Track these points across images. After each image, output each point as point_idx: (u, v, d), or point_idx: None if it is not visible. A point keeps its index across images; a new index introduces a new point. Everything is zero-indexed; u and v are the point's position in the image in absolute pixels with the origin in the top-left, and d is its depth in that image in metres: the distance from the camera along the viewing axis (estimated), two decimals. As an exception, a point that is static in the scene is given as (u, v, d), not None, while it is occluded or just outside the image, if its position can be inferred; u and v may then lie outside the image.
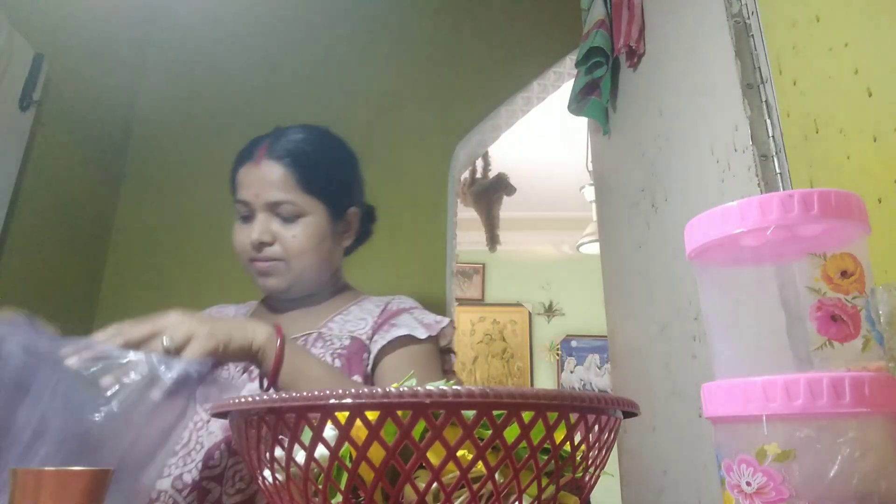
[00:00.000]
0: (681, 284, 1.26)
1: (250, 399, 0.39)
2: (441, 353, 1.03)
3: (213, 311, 1.16)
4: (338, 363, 0.96)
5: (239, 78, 2.42)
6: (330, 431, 0.38)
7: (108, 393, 0.63)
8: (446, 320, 1.04)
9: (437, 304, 2.26)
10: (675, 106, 1.34)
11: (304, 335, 1.01)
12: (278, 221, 0.98)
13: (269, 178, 0.98)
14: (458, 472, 0.37)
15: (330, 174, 1.03)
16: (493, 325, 5.22)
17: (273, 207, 0.98)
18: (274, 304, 1.10)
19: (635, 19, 1.50)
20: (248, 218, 1.00)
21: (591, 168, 2.09)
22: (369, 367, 0.97)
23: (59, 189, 1.90)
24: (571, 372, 5.02)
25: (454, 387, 0.36)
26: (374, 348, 0.98)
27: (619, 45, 1.56)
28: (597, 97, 1.76)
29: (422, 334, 0.98)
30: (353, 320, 1.04)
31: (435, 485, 0.37)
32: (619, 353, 1.74)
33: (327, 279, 1.07)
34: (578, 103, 1.82)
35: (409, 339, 0.97)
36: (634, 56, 1.53)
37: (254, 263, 1.00)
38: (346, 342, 0.99)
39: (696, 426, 1.19)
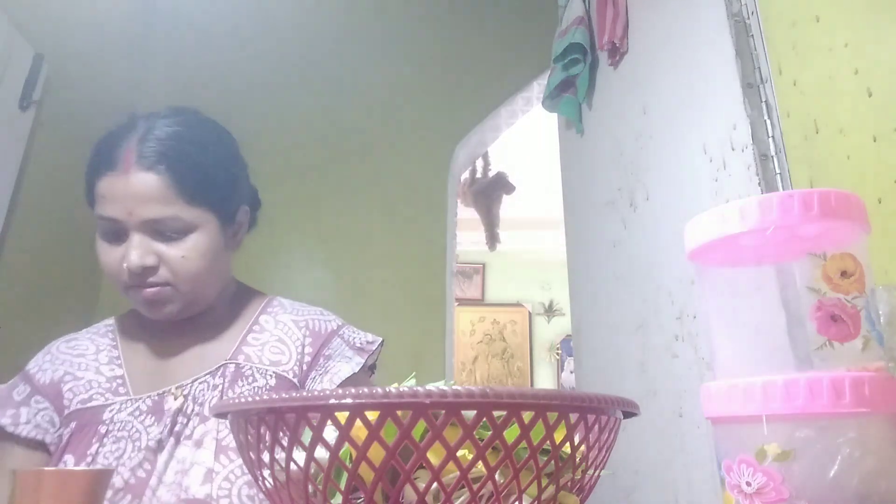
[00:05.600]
0: (663, 283, 1.26)
1: (250, 399, 0.39)
2: (366, 370, 0.93)
3: (61, 347, 0.92)
4: None
5: (239, 78, 2.42)
6: (330, 432, 0.38)
7: None
8: (378, 340, 0.93)
9: (437, 304, 2.26)
10: (661, 104, 1.33)
11: (217, 368, 0.86)
12: (160, 240, 0.80)
13: (143, 192, 0.79)
14: (458, 473, 0.37)
15: (217, 175, 0.85)
16: (493, 325, 5.23)
17: (152, 225, 0.80)
18: (154, 324, 0.89)
19: (620, 17, 1.50)
20: (118, 236, 0.81)
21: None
22: None
23: (59, 189, 1.90)
24: (571, 372, 5.02)
25: (454, 387, 0.36)
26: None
27: (603, 43, 1.55)
28: (572, 94, 1.75)
29: (358, 364, 0.88)
30: (272, 343, 0.89)
31: (435, 485, 0.37)
32: (586, 352, 1.73)
33: (221, 289, 0.92)
34: (552, 100, 1.81)
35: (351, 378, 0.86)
36: (617, 54, 1.52)
37: (135, 291, 0.81)
38: (272, 381, 0.85)
39: (674, 426, 1.18)
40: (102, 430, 0.82)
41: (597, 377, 1.63)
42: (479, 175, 3.45)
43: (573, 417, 0.40)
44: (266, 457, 0.41)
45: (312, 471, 0.39)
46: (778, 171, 0.96)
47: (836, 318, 0.42)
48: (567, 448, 0.40)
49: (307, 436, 0.38)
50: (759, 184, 0.97)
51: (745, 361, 0.47)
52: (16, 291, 1.70)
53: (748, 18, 1.07)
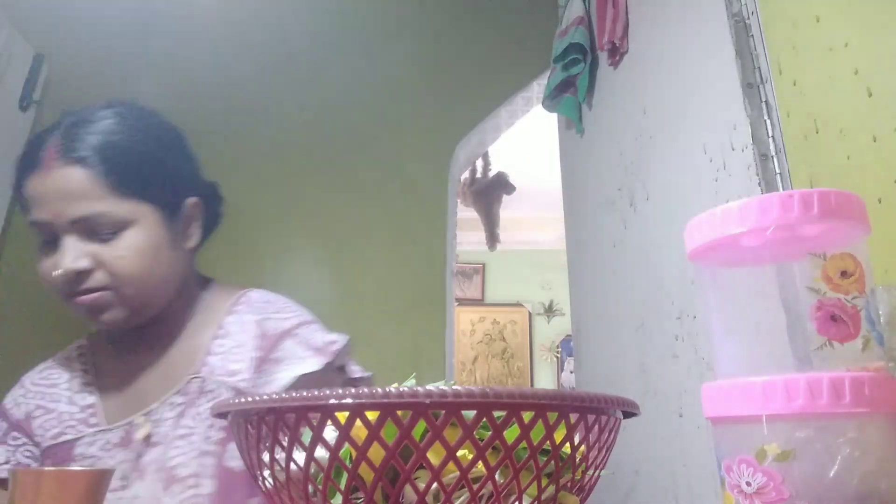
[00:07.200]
0: (663, 283, 1.26)
1: (250, 399, 0.39)
2: (336, 371, 0.85)
3: (34, 378, 0.88)
4: (217, 431, 0.76)
5: (239, 78, 2.42)
6: (330, 432, 0.38)
7: None
8: (341, 341, 0.84)
9: (437, 304, 2.26)
10: (661, 105, 1.33)
11: (185, 385, 0.79)
12: (94, 241, 0.74)
13: (68, 188, 0.73)
14: (458, 473, 0.37)
15: (151, 165, 0.79)
16: (493, 325, 5.23)
17: (83, 224, 0.74)
18: (118, 337, 0.85)
19: (620, 17, 1.50)
20: (51, 243, 0.75)
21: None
22: None
23: (59, 189, 1.90)
24: (571, 372, 5.02)
25: (454, 387, 0.36)
26: None
27: (603, 43, 1.55)
28: (572, 94, 1.75)
29: (315, 365, 0.79)
30: (234, 350, 0.81)
31: (435, 485, 0.37)
32: (586, 353, 1.73)
33: (178, 291, 0.84)
34: (552, 100, 1.81)
35: (300, 380, 0.79)
36: (617, 54, 1.53)
37: (74, 299, 0.75)
38: (230, 395, 0.77)
39: (674, 426, 1.18)
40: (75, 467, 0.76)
41: (597, 377, 1.64)
42: (479, 175, 3.45)
43: (573, 417, 0.40)
44: (266, 457, 0.41)
45: (312, 471, 0.39)
46: (778, 171, 0.96)
47: (836, 318, 0.42)
48: (567, 448, 0.40)
49: (307, 436, 0.38)
50: (759, 184, 0.97)
51: (745, 361, 0.47)
52: (15, 291, 1.70)
53: (748, 18, 1.07)
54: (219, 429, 0.77)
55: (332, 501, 0.39)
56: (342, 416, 0.37)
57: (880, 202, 0.75)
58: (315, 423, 0.37)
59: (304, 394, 0.37)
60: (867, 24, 0.82)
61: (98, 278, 0.75)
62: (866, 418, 0.40)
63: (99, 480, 0.53)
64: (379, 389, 0.36)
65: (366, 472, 0.38)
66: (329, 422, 0.37)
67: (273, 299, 0.89)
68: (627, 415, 0.45)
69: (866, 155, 0.80)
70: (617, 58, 1.53)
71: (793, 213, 0.43)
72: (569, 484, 0.43)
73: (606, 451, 0.44)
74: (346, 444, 0.37)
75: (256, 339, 0.82)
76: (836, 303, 0.42)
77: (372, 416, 0.36)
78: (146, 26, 2.42)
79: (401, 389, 0.36)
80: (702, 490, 1.08)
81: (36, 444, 0.82)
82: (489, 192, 3.45)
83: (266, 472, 0.42)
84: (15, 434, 0.83)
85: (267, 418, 0.40)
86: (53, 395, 0.85)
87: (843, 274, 0.42)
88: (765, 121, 1.00)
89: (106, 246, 0.75)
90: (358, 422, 0.36)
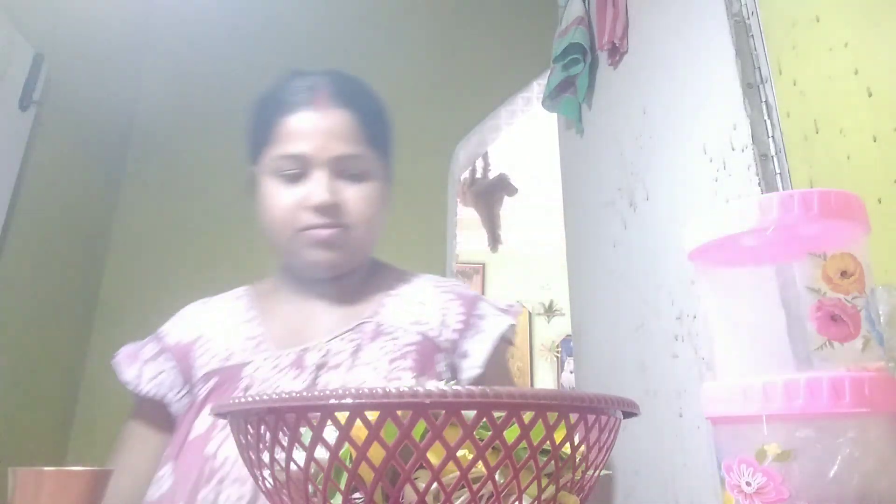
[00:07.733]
0: (663, 283, 1.26)
1: (250, 399, 0.39)
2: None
3: (196, 308, 0.93)
4: (406, 363, 0.81)
5: (238, 77, 2.42)
6: (330, 432, 0.38)
7: None
8: (517, 305, 0.96)
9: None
10: (661, 105, 1.33)
11: (356, 326, 0.85)
12: (342, 180, 0.82)
13: (336, 128, 0.82)
14: (458, 473, 0.37)
15: (388, 127, 0.90)
16: (493, 325, 5.22)
17: (338, 163, 0.82)
18: (297, 285, 0.90)
19: (620, 17, 1.50)
20: (297, 176, 0.82)
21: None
22: (462, 373, 0.84)
23: (59, 189, 1.90)
24: (571, 372, 5.02)
25: (454, 387, 0.36)
26: (474, 353, 0.85)
27: (603, 43, 1.55)
28: (572, 94, 1.75)
29: (512, 320, 0.91)
30: (413, 305, 0.89)
31: (435, 485, 0.37)
32: (586, 353, 1.73)
33: (368, 253, 0.93)
34: (552, 100, 1.81)
35: (503, 338, 0.89)
36: (617, 54, 1.52)
37: (309, 232, 0.81)
38: (415, 338, 0.84)
39: (674, 426, 1.18)
40: (244, 384, 0.79)
41: (597, 377, 1.63)
42: (479, 175, 3.45)
43: (573, 417, 0.40)
44: (266, 457, 0.41)
45: (312, 471, 0.39)
46: (778, 171, 0.96)
47: (836, 318, 0.42)
48: (567, 448, 0.40)
49: (307, 436, 0.38)
50: (759, 184, 0.97)
51: (745, 361, 0.47)
52: (16, 291, 1.70)
53: (748, 18, 1.07)
54: (404, 364, 0.80)
55: (332, 501, 0.39)
56: (342, 416, 0.37)
57: (880, 202, 0.75)
58: (315, 423, 0.37)
59: (304, 394, 0.37)
60: (867, 24, 0.82)
61: (340, 215, 0.82)
62: (866, 418, 0.40)
63: (99, 480, 0.53)
64: (379, 389, 0.36)
65: (366, 472, 0.38)
66: (329, 422, 0.37)
67: (436, 276, 0.98)
68: (627, 415, 0.45)
69: (866, 155, 0.80)
70: (617, 58, 1.53)
71: (793, 213, 0.43)
72: (569, 484, 0.43)
73: (606, 451, 0.44)
74: (346, 444, 0.37)
75: (451, 302, 0.89)
76: (836, 303, 0.42)
77: (372, 416, 0.36)
78: (146, 26, 2.42)
79: (401, 389, 0.36)
80: (702, 490, 1.08)
81: (185, 370, 0.84)
82: (491, 194, 3.45)
83: (266, 472, 0.42)
84: (167, 356, 0.86)
85: (267, 418, 0.40)
86: (217, 325, 0.88)
87: (843, 274, 0.42)
88: (765, 121, 1.00)
89: (351, 188, 0.83)
90: (358, 422, 0.36)
